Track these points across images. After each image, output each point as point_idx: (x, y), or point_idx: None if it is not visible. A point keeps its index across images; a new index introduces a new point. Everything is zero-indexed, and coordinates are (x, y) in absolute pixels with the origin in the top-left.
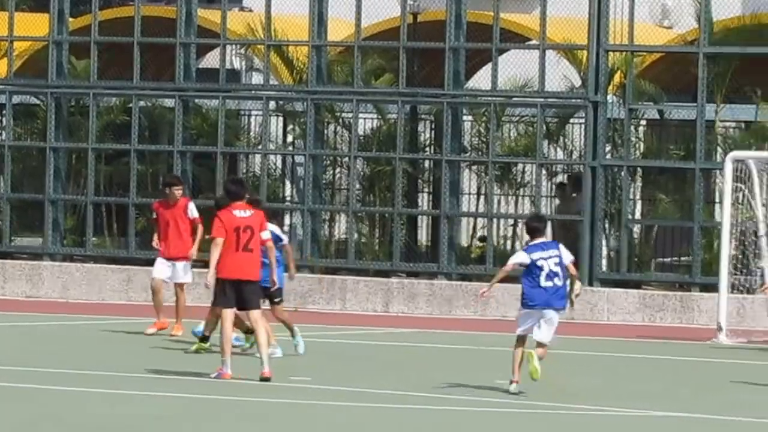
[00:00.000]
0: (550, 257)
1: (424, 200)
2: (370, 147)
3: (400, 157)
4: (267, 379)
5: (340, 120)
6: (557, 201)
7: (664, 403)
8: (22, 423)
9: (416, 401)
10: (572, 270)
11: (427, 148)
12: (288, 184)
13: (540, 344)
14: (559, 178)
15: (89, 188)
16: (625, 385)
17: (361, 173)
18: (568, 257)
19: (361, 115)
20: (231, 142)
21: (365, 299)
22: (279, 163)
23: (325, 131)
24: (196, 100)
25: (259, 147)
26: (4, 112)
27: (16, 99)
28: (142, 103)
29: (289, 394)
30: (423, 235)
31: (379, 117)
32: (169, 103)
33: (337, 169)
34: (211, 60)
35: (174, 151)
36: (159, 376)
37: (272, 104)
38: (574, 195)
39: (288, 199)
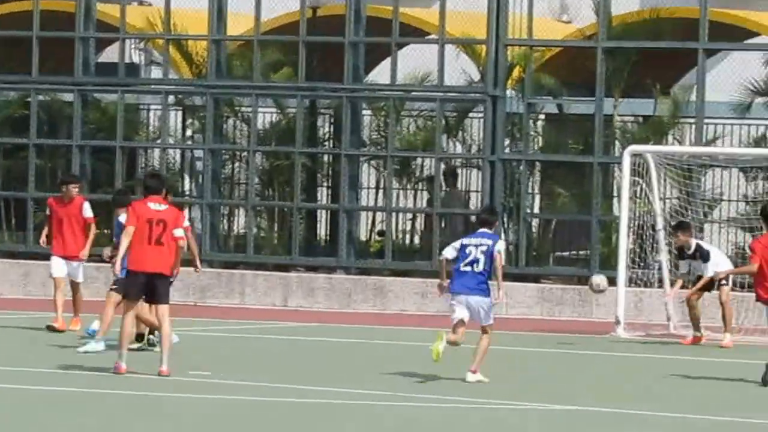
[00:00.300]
0: (480, 245)
1: (323, 194)
2: (270, 141)
3: (299, 151)
4: (165, 376)
5: (240, 114)
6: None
7: (560, 397)
8: None
9: (315, 395)
10: (497, 265)
11: (326, 143)
12: (187, 178)
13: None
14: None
15: None
16: (521, 379)
17: (260, 167)
18: (497, 249)
19: (260, 109)
20: (130, 136)
21: (264, 293)
22: (178, 158)
23: (225, 125)
24: (95, 95)
25: (158, 141)
26: None
27: None
28: (40, 97)
29: (189, 387)
30: (322, 229)
31: (279, 111)
32: (68, 97)
33: (236, 164)
34: (110, 54)
35: (73, 146)
36: (53, 370)
37: (171, 98)
38: (447, 189)
39: (187, 193)
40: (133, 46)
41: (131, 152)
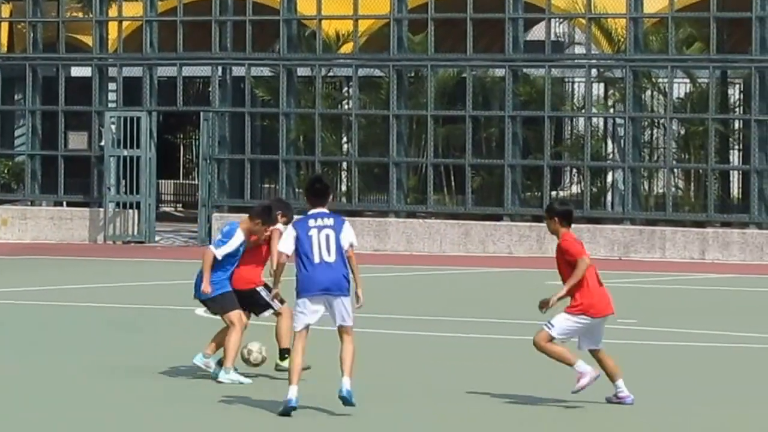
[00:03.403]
0: None
1: (735, 157)
2: (684, 109)
3: (712, 117)
4: None
5: (656, 85)
6: None
7: None
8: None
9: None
10: None
11: (737, 109)
12: (610, 144)
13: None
14: None
15: (428, 151)
16: None
17: (676, 133)
18: None
19: (675, 80)
20: (556, 107)
21: (683, 248)
22: (601, 126)
23: (643, 95)
24: (525, 70)
25: (583, 111)
26: (351, 83)
27: (361, 72)
28: (475, 72)
29: (618, 334)
30: (735, 189)
31: (691, 82)
32: (499, 72)
33: (654, 130)
34: (537, 32)
35: (505, 116)
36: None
37: (594, 72)
38: None
39: (609, 158)
40: (558, 25)
41: (558, 122)
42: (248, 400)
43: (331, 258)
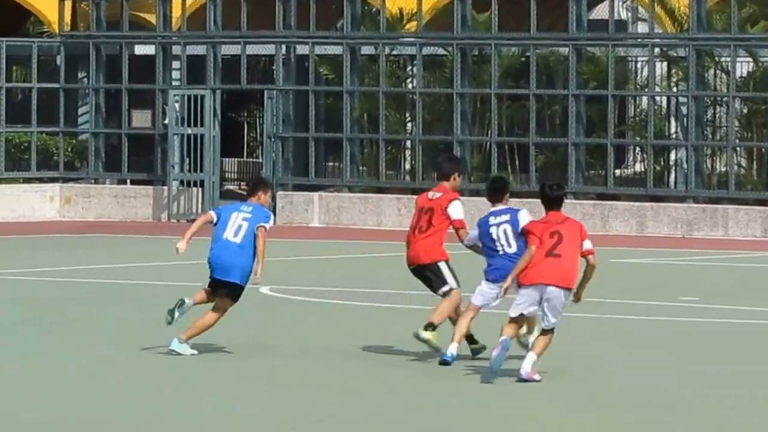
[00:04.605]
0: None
1: None
2: (747, 88)
3: None
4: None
5: (719, 64)
6: None
7: None
8: None
9: None
10: None
11: None
12: (673, 122)
13: None
14: None
15: (492, 129)
16: None
17: (739, 112)
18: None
19: (738, 59)
20: (620, 85)
21: (746, 226)
22: (664, 104)
23: (706, 74)
24: (588, 48)
25: (646, 89)
26: (414, 62)
27: (425, 50)
28: (538, 51)
29: (680, 312)
30: None
31: (754, 61)
32: (563, 51)
33: (717, 109)
34: (600, 11)
35: (569, 95)
36: None
37: (657, 50)
38: None
39: (673, 136)
40: (621, 4)
41: (621, 101)
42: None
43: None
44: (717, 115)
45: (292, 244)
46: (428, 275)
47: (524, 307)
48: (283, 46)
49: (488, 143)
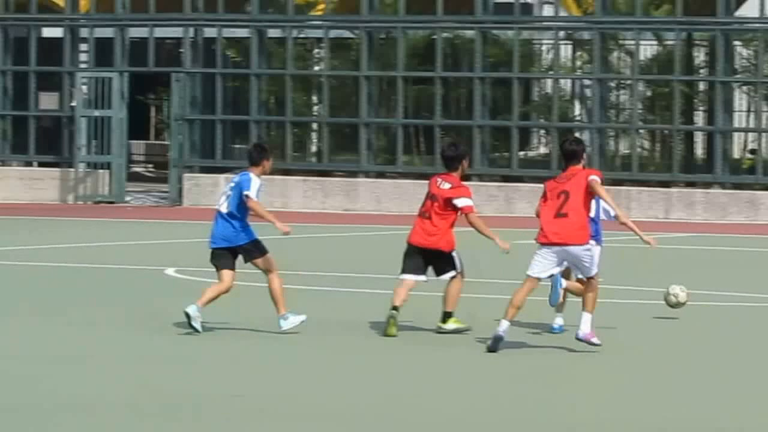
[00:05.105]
0: None
1: (699, 117)
2: (651, 70)
3: (678, 79)
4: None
5: (623, 47)
6: None
7: None
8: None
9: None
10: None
11: (702, 71)
12: (577, 105)
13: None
14: None
15: (398, 111)
16: None
17: (643, 95)
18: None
19: (641, 42)
20: (525, 68)
21: (648, 207)
22: (569, 87)
23: (610, 57)
24: (494, 31)
25: (551, 72)
26: (321, 45)
27: (332, 33)
28: (445, 34)
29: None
30: (699, 149)
31: (658, 43)
32: (469, 34)
33: (621, 91)
34: None
35: (474, 78)
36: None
37: (562, 34)
38: None
39: (577, 118)
40: None
41: (526, 83)
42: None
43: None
44: (621, 98)
45: (198, 226)
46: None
47: (541, 269)
48: (191, 29)
49: (394, 125)
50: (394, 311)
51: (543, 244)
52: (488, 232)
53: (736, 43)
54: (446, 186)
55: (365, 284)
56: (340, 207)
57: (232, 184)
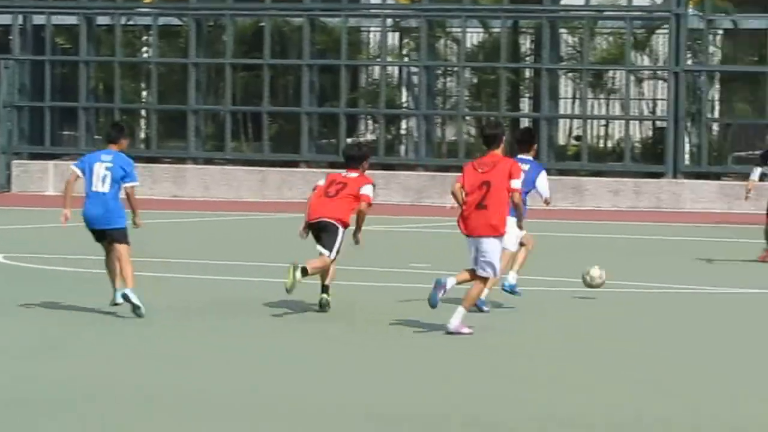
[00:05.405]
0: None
1: (525, 104)
2: (477, 58)
3: (504, 66)
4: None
5: (450, 34)
6: None
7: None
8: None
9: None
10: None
11: (528, 58)
12: (404, 92)
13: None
14: (645, 84)
15: (227, 98)
16: (702, 265)
17: (469, 82)
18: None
19: (468, 29)
20: (353, 55)
21: None
22: (396, 74)
23: (437, 45)
24: (322, 19)
25: (378, 59)
26: (150, 32)
27: (161, 21)
28: (272, 21)
29: (413, 278)
30: None
31: (485, 31)
32: (297, 21)
33: (448, 78)
34: None
35: (302, 65)
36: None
37: (389, 21)
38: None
39: (404, 105)
40: None
41: (354, 70)
42: None
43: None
44: (447, 85)
45: (27, 212)
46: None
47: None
48: (20, 16)
49: (222, 112)
50: (297, 265)
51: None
52: (361, 226)
53: (562, 30)
54: (353, 175)
55: (197, 270)
56: (168, 193)
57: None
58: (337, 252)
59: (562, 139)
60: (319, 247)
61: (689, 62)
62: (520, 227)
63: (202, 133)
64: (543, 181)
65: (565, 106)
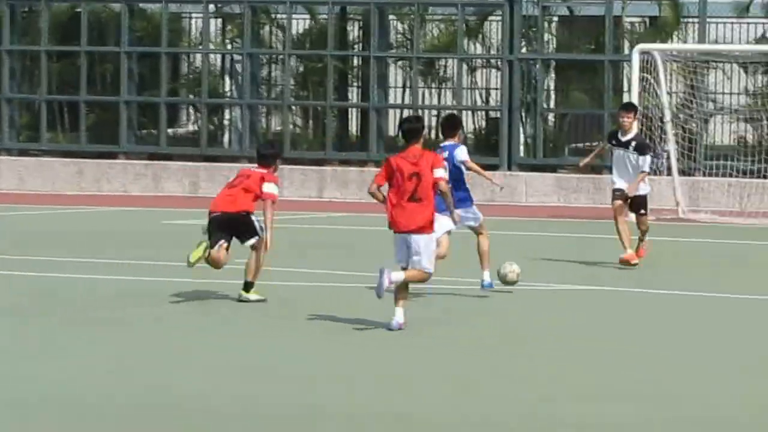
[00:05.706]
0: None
1: (354, 94)
2: (303, 45)
3: (331, 54)
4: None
5: (275, 21)
6: None
7: (587, 278)
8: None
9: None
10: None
11: (356, 46)
12: (227, 81)
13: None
14: (478, 73)
15: (42, 87)
16: (542, 262)
17: (295, 70)
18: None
19: (294, 16)
20: (174, 43)
21: (301, 186)
22: (219, 62)
23: (261, 32)
24: (141, 5)
25: (200, 47)
26: None
27: None
28: (89, 8)
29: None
30: (353, 126)
31: (311, 18)
32: (115, 7)
33: (273, 67)
34: None
35: (121, 52)
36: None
37: (212, 7)
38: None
39: (227, 95)
40: None
41: (175, 58)
42: None
43: None
44: (273, 74)
45: None
46: None
47: (401, 257)
48: None
49: (37, 102)
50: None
51: (395, 232)
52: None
53: (392, 17)
54: (261, 171)
55: (18, 266)
56: None
57: None
58: (263, 230)
59: (391, 130)
60: (222, 242)
61: (524, 50)
62: (453, 219)
63: (16, 123)
64: (462, 151)
65: (395, 96)
